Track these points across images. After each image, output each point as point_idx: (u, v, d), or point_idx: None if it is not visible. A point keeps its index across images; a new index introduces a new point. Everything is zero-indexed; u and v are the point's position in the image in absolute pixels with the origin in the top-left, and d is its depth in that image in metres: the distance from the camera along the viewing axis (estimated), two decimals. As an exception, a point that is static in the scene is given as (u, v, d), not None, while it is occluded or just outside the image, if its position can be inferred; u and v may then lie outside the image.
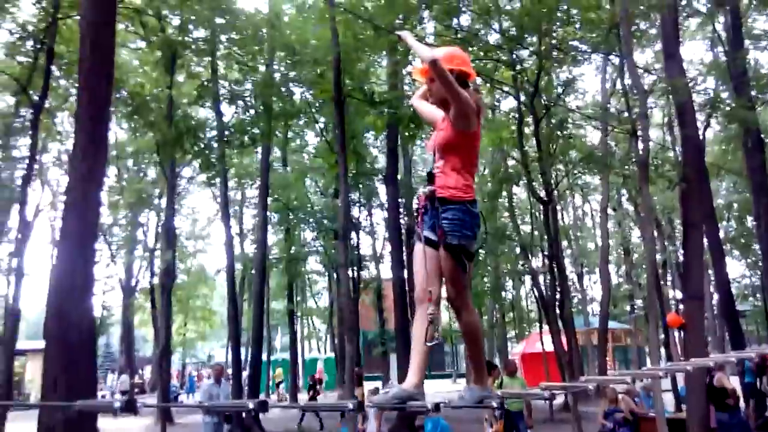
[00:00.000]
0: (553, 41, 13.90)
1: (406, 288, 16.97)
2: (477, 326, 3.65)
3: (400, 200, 18.48)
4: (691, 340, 11.37)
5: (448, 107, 3.53)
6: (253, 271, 26.20)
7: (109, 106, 10.52)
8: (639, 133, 11.57)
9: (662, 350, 35.03)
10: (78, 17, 13.02)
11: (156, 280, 28.45)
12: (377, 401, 3.67)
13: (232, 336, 20.16)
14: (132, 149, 26.16)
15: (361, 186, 23.95)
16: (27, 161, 16.11)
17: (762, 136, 14.91)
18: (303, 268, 32.17)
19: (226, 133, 18.22)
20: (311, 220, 26.41)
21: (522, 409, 10.95)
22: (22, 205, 16.12)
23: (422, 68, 3.67)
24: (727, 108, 12.86)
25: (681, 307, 13.97)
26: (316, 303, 44.51)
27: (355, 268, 26.24)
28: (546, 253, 14.92)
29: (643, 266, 32.66)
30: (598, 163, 14.52)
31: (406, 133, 12.74)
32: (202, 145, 17.17)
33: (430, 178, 3.53)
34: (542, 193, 13.73)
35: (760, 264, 24.52)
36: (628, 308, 33.74)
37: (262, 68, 18.46)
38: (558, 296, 13.61)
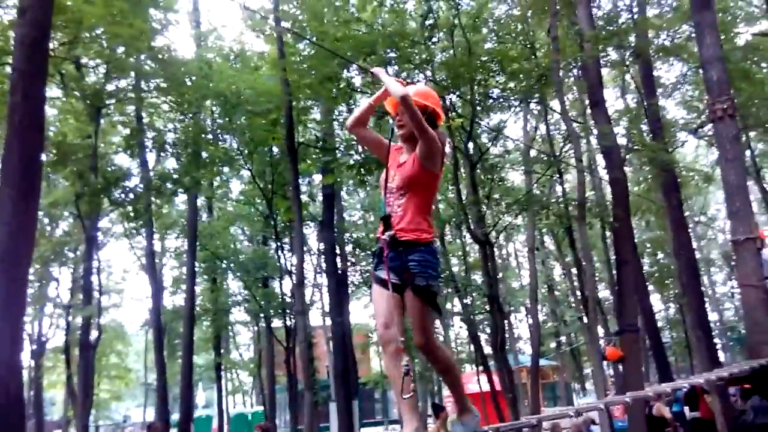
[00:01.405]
0: (482, 90, 14.54)
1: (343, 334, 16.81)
2: (449, 360, 3.66)
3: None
4: (630, 371, 11.81)
5: (414, 144, 3.46)
6: (175, 324, 25.15)
7: (40, 157, 10.00)
8: (565, 175, 12.14)
9: (589, 385, 36.18)
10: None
11: (71, 338, 26.90)
12: None
13: (159, 393, 19.14)
14: (46, 201, 24.88)
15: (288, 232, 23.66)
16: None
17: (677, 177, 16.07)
18: (228, 319, 31.24)
19: (153, 182, 17.71)
20: (238, 268, 25.74)
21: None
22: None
23: (394, 102, 3.60)
24: (647, 151, 13.72)
25: (609, 340, 14.51)
26: (240, 355, 43.13)
27: (287, 316, 25.75)
28: (485, 293, 15.21)
29: (566, 303, 33.93)
30: (536, 205, 15.06)
31: (359, 178, 12.74)
32: (130, 195, 16.56)
33: (386, 221, 3.43)
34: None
35: (673, 298, 26.07)
36: (553, 345, 34.72)
37: (190, 116, 18.22)
38: (498, 336, 13.83)
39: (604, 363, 12.68)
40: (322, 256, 21.00)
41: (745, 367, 9.66)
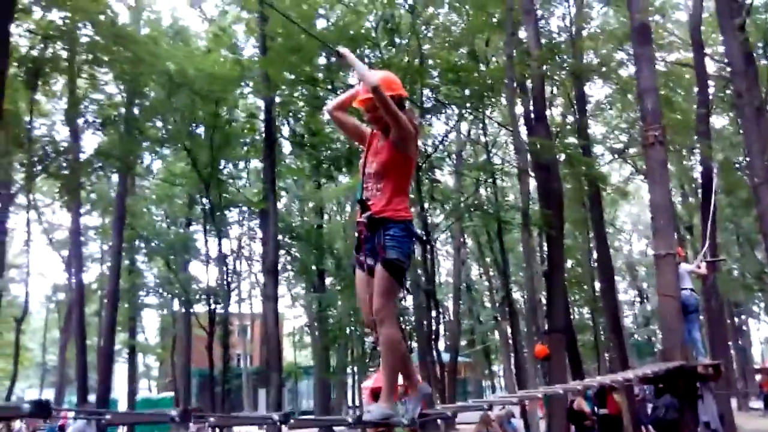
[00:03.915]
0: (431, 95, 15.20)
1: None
2: (396, 341, 3.54)
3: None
4: (554, 368, 12.78)
5: (388, 130, 3.57)
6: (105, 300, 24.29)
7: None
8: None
9: (499, 381, 37.76)
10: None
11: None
12: (368, 418, 3.48)
13: (79, 373, 18.54)
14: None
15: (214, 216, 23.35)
16: None
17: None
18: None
19: (88, 158, 17.15)
20: (164, 250, 25.19)
21: (408, 433, 11.46)
22: None
23: (361, 99, 3.66)
24: (579, 166, 14.77)
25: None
26: (145, 339, 41.95)
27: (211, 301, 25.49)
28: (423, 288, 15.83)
29: (481, 303, 35.34)
30: (485, 212, 15.82)
31: (328, 174, 12.94)
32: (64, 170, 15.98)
33: (363, 205, 3.56)
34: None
35: (582, 302, 27.84)
36: (464, 342, 36.00)
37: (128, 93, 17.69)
38: (434, 330, 14.47)
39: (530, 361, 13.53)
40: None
41: (656, 368, 10.78)
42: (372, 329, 3.52)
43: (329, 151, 13.64)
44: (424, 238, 14.41)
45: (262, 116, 20.87)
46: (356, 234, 3.67)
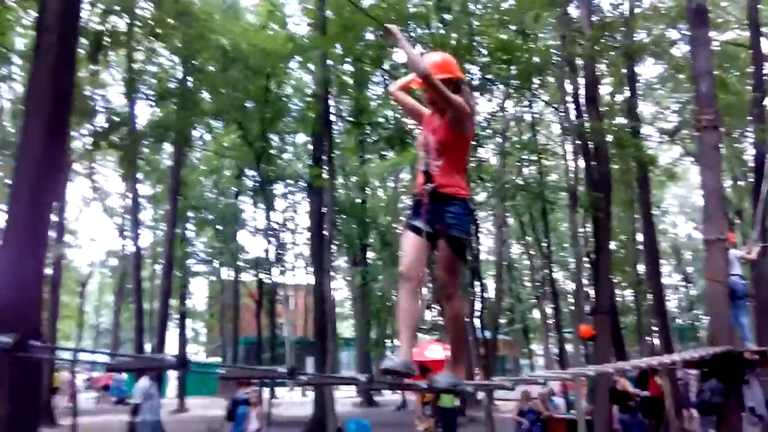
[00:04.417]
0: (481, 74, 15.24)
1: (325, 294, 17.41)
2: (463, 315, 3.86)
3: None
4: (599, 349, 12.93)
5: (444, 111, 3.71)
6: (158, 266, 25.23)
7: (72, 96, 10.21)
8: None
9: (539, 360, 37.90)
10: None
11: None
12: (387, 365, 3.55)
13: (137, 335, 19.46)
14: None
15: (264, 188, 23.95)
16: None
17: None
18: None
19: (145, 130, 17.79)
20: (216, 220, 26.02)
21: (455, 405, 11.83)
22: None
23: (418, 80, 3.79)
24: (629, 148, 14.66)
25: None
26: (193, 305, 43.35)
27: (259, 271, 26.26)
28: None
29: (520, 282, 35.41)
30: (531, 192, 15.90)
31: (391, 153, 13.17)
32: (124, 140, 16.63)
33: (427, 176, 3.69)
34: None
35: (625, 284, 27.67)
36: (503, 321, 36.19)
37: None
38: (478, 308, 14.71)
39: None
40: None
41: (702, 353, 10.83)
42: (409, 283, 3.66)
43: (383, 130, 13.81)
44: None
45: (308, 90, 21.55)
46: (415, 200, 3.78)
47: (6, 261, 9.22)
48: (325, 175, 13.78)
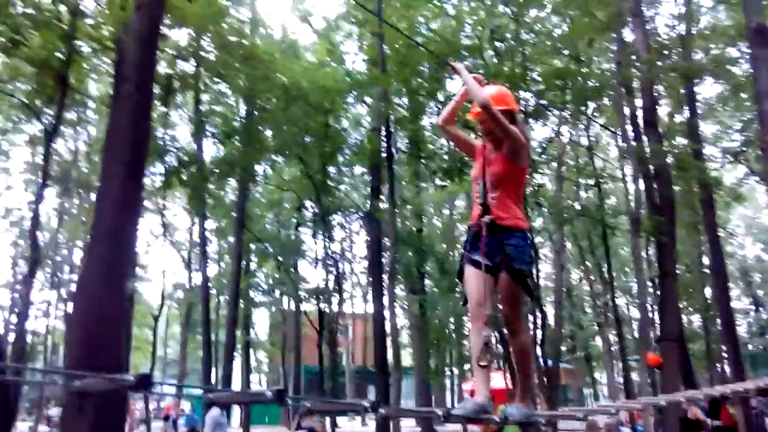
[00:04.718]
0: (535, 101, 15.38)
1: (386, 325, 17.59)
2: (529, 347, 3.87)
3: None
4: (667, 377, 12.65)
5: (500, 142, 3.73)
6: (223, 297, 25.98)
7: (148, 141, 10.88)
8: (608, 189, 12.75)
9: (603, 389, 36.88)
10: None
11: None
12: (459, 412, 3.63)
13: (204, 366, 20.03)
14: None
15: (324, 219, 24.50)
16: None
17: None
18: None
19: (211, 167, 18.56)
20: (277, 251, 26.69)
21: (519, 434, 11.74)
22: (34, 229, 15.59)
23: (475, 111, 3.82)
24: (692, 171, 14.45)
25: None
26: (255, 335, 44.11)
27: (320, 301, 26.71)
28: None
29: (581, 309, 34.71)
30: (591, 216, 15.84)
31: (441, 184, 13.49)
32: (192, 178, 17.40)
33: (485, 208, 3.67)
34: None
35: (693, 310, 26.82)
36: (563, 348, 35.45)
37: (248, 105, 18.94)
38: (540, 335, 14.63)
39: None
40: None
41: (776, 380, 10.49)
42: (479, 322, 3.62)
43: (441, 161, 14.08)
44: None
45: (365, 123, 22.11)
46: (472, 233, 3.76)
47: (88, 297, 9.80)
48: (384, 205, 14.09)
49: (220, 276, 31.58)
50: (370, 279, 20.40)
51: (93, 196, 21.45)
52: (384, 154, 14.44)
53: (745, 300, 39.22)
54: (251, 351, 35.65)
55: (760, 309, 38.16)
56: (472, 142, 4.09)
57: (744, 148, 17.88)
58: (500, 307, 3.78)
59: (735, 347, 15.63)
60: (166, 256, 67.60)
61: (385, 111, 13.63)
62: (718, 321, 21.45)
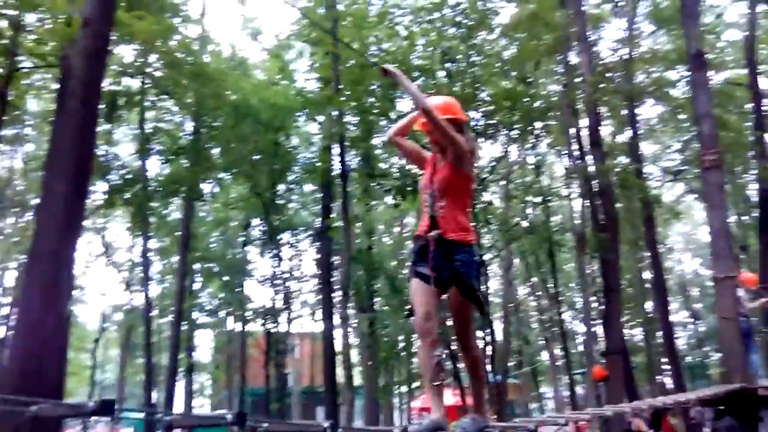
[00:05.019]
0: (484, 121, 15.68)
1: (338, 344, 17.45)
2: (481, 360, 4.02)
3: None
4: (612, 390, 12.95)
5: (446, 151, 3.76)
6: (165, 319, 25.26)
7: (92, 160, 10.54)
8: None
9: (549, 403, 37.42)
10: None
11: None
12: (414, 430, 3.65)
13: (146, 390, 19.36)
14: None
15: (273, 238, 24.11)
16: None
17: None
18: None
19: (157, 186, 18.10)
20: (223, 271, 26.18)
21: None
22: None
23: (422, 122, 3.85)
24: (635, 189, 14.97)
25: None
26: (197, 358, 42.92)
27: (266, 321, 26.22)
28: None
29: (528, 324, 35.26)
30: (538, 234, 16.16)
31: (400, 200, 13.51)
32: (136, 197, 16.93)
33: (433, 221, 3.68)
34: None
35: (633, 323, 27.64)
36: (511, 363, 35.85)
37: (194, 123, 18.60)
38: (490, 350, 14.78)
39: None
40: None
41: (716, 390, 10.86)
42: (428, 338, 3.58)
43: (395, 180, 14.17)
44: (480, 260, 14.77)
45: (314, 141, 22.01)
46: (418, 245, 3.74)
47: (27, 320, 9.37)
48: (339, 224, 14.05)
49: (161, 297, 30.74)
50: (320, 297, 20.18)
51: (28, 215, 20.68)
52: (337, 172, 14.41)
53: (683, 313, 40.72)
54: (194, 374, 34.72)
55: (698, 322, 39.66)
56: (423, 154, 4.09)
57: (683, 167, 18.64)
58: (452, 323, 3.77)
59: (675, 359, 16.15)
60: (104, 276, 65.33)
61: (338, 130, 13.61)
62: (659, 334, 22.23)
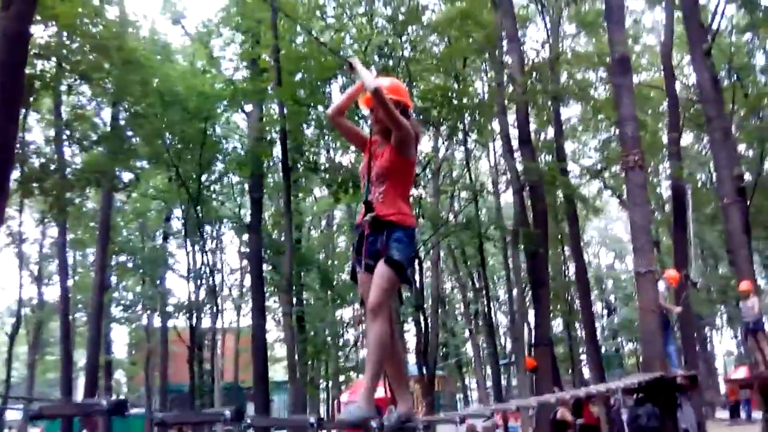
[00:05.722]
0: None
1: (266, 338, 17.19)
2: (386, 337, 3.41)
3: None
4: (542, 380, 13.39)
5: (390, 135, 3.61)
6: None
7: (14, 148, 9.85)
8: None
9: (474, 394, 38.33)
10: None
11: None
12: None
13: (63, 386, 18.40)
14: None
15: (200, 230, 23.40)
16: None
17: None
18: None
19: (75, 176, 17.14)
20: (142, 264, 25.21)
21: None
22: None
23: (366, 97, 3.73)
24: (560, 185, 15.50)
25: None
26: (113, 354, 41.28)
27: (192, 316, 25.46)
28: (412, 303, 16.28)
29: (454, 317, 35.96)
30: (472, 228, 16.41)
31: (342, 195, 13.27)
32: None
33: (368, 206, 3.56)
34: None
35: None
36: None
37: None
38: (423, 342, 14.93)
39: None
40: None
41: (637, 379, 11.45)
42: (371, 319, 3.45)
43: (337, 174, 14.04)
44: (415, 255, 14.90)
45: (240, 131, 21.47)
46: (358, 233, 3.64)
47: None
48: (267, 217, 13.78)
49: (76, 291, 29.30)
50: (249, 292, 19.77)
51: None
52: (270, 164, 14.11)
53: (599, 305, 42.73)
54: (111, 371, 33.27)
55: (612, 313, 41.70)
56: (362, 134, 3.99)
57: (602, 165, 19.44)
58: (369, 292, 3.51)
59: (596, 349, 16.86)
60: (8, 270, 61.46)
61: (282, 121, 13.34)
62: (578, 325, 23.20)
